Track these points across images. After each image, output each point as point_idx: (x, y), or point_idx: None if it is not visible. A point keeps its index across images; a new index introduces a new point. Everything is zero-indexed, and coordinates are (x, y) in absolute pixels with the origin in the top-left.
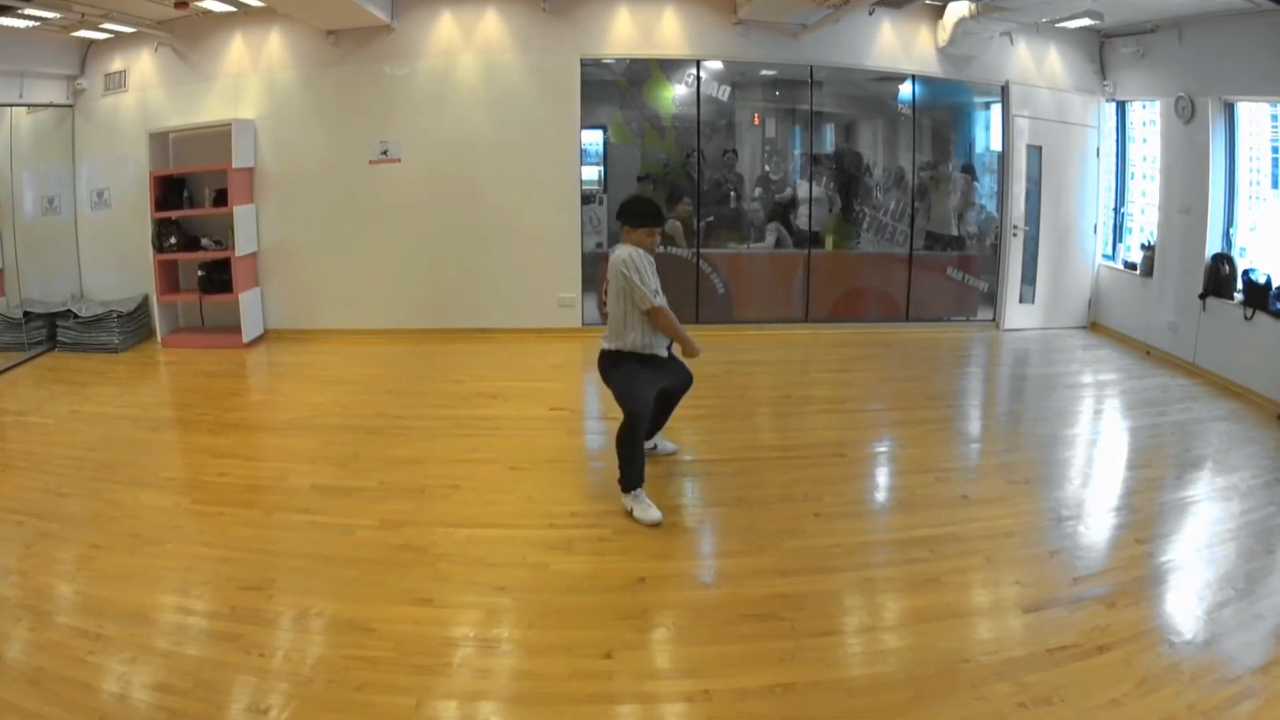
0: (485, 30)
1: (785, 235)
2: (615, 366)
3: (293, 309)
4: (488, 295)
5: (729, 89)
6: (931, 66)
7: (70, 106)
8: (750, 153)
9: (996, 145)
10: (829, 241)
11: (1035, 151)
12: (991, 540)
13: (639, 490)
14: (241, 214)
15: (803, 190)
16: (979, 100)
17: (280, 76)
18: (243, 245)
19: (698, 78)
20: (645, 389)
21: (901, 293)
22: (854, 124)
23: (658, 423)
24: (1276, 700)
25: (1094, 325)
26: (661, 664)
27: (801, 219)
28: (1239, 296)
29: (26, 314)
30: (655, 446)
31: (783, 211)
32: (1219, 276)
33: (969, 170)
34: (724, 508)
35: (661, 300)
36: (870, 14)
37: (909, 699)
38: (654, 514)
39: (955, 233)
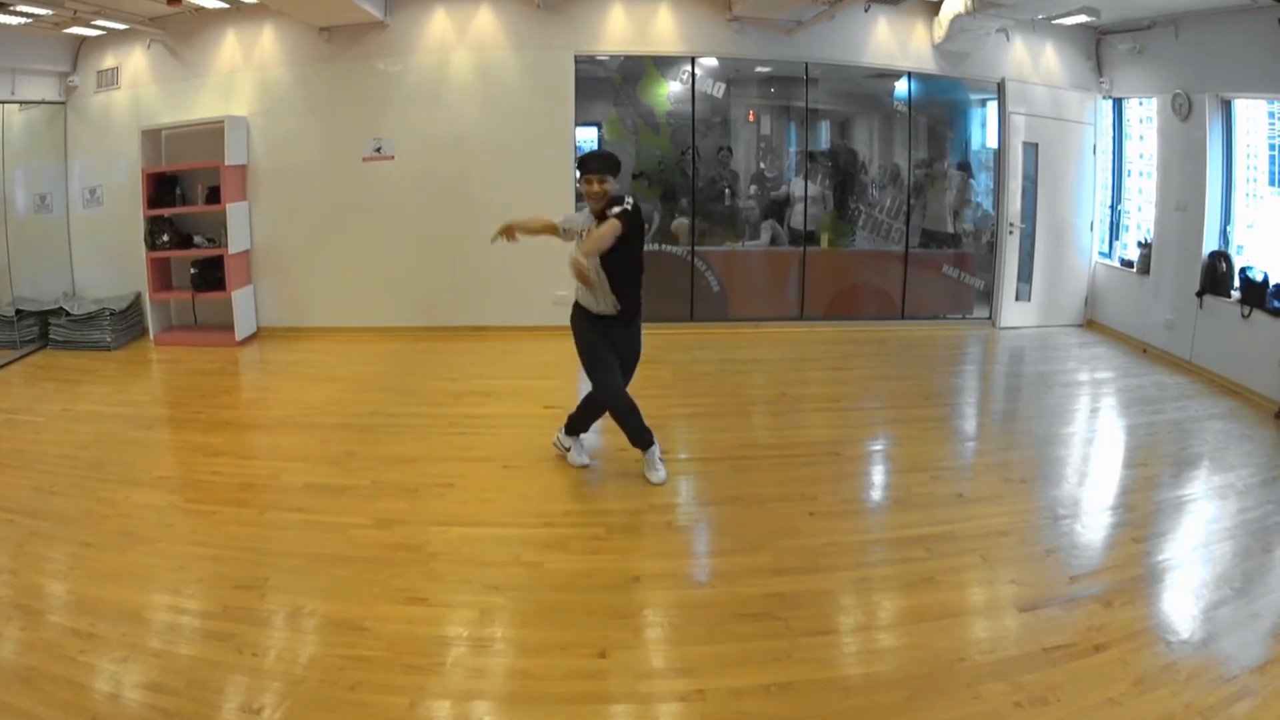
0: (479, 27)
1: (780, 233)
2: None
3: (286, 307)
4: (481, 293)
5: (724, 86)
6: (927, 63)
7: (62, 103)
8: (745, 150)
9: (993, 142)
10: (824, 239)
11: (1031, 149)
12: (987, 539)
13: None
14: (234, 211)
15: (798, 188)
16: (975, 97)
17: (273, 73)
18: (235, 243)
19: (692, 75)
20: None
21: (897, 290)
22: (849, 121)
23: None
24: (1274, 699)
25: (1090, 323)
26: (656, 663)
27: (796, 217)
28: (1236, 294)
29: (18, 312)
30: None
31: (778, 209)
32: (1216, 274)
33: (965, 168)
34: (719, 506)
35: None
36: (865, 10)
37: (905, 698)
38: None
39: (951, 230)
